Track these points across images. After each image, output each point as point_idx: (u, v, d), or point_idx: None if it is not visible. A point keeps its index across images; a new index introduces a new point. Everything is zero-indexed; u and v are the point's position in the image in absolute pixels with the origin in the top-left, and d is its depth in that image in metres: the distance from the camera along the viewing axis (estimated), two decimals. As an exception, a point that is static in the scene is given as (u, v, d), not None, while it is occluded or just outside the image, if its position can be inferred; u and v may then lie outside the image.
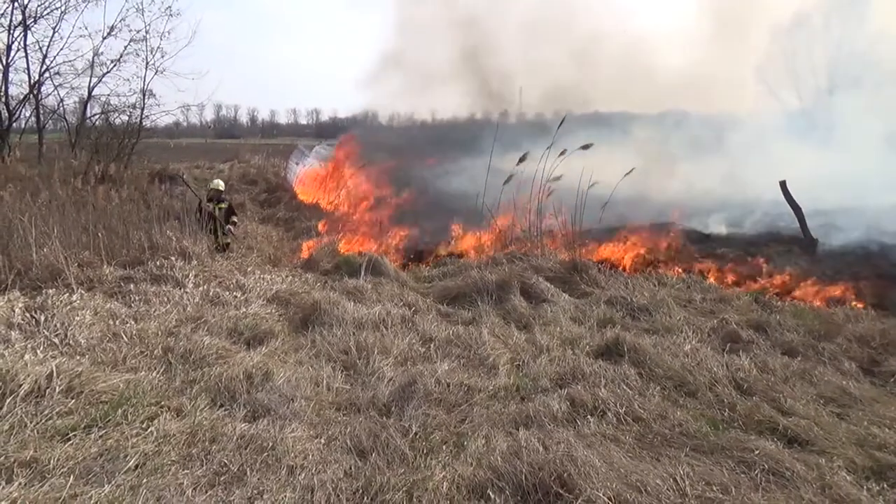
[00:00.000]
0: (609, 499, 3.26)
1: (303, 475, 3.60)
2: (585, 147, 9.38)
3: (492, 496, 3.40)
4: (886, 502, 3.44)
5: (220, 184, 11.17)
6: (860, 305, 7.62)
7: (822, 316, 6.96)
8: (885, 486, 3.63)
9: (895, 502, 3.47)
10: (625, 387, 4.91)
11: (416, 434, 4.17)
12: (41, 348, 5.12)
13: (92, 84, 17.01)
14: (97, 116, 17.90)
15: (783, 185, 10.10)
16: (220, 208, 10.43)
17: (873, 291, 8.05)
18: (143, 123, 17.66)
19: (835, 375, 5.30)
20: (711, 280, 9.02)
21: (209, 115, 76.21)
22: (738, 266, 9.58)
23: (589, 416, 4.44)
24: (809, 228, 9.96)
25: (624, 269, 9.69)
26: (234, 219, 10.87)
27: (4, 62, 16.13)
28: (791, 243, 10.07)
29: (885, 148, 12.39)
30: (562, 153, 9.42)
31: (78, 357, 5.05)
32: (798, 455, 3.91)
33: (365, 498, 3.45)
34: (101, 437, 3.91)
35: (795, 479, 3.61)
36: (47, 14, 16.07)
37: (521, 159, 9.72)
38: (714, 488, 3.48)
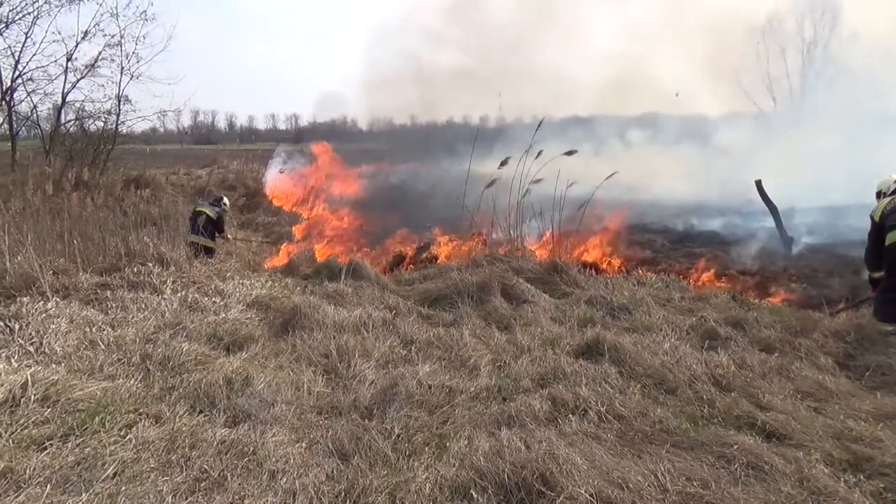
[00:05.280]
0: (591, 496, 3.27)
1: (284, 479, 3.57)
2: (569, 153, 9.37)
3: (475, 496, 3.40)
4: (863, 493, 3.49)
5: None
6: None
7: (798, 312, 7.05)
8: (862, 477, 3.68)
9: (871, 493, 3.52)
10: (605, 385, 4.93)
11: (398, 436, 4.16)
12: (15, 357, 5.02)
13: (66, 90, 16.79)
14: (71, 123, 17.65)
15: (759, 184, 10.24)
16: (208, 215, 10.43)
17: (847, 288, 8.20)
18: (119, 129, 17.46)
19: (811, 370, 5.35)
20: (681, 279, 9.07)
21: (186, 121, 75.52)
22: (714, 265, 9.69)
23: (570, 415, 4.45)
24: (785, 227, 10.11)
25: (603, 271, 9.75)
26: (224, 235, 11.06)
27: (-24, 69, 15.88)
28: (767, 242, 10.21)
29: (856, 148, 12.65)
30: (538, 154, 9.41)
31: (53, 365, 4.96)
32: (776, 449, 3.96)
33: (348, 501, 3.43)
34: (78, 445, 3.84)
35: (774, 472, 3.65)
36: (19, 19, 15.84)
37: (503, 163, 9.70)
38: (694, 483, 3.51)
